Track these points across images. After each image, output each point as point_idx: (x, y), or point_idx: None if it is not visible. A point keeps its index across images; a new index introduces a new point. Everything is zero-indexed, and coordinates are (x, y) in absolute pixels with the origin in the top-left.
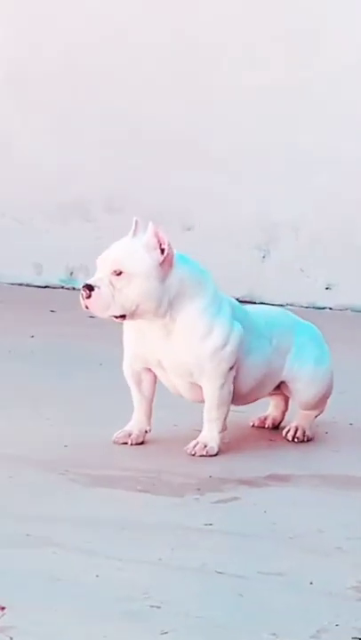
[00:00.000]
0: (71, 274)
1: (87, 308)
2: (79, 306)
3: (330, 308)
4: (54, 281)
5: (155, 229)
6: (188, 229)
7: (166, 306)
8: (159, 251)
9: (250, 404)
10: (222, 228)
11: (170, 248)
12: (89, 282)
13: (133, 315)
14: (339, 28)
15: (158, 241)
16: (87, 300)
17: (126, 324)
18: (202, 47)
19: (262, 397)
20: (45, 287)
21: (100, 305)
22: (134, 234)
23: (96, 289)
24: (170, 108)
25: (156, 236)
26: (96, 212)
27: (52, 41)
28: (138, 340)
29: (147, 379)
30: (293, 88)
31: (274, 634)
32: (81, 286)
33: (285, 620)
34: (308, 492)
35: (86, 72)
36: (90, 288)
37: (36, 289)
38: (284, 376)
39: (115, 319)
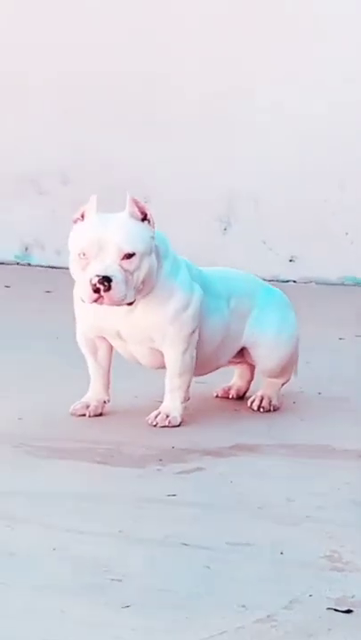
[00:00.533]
0: (26, 249)
1: (101, 300)
2: (35, 281)
3: (294, 281)
4: (9, 257)
5: (133, 199)
6: (145, 202)
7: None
8: (145, 221)
9: (212, 374)
10: (181, 199)
11: (152, 216)
12: (103, 273)
13: (135, 297)
14: None
15: (139, 210)
16: (107, 293)
17: (76, 292)
18: (159, 14)
19: (222, 366)
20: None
21: (121, 295)
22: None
23: (113, 279)
24: (125, 77)
25: (137, 204)
26: (50, 184)
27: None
28: (92, 311)
29: (103, 347)
30: (253, 56)
31: (243, 606)
32: (92, 280)
33: (256, 591)
34: (275, 461)
35: (39, 42)
36: (108, 279)
37: None
38: (245, 341)
39: (127, 305)
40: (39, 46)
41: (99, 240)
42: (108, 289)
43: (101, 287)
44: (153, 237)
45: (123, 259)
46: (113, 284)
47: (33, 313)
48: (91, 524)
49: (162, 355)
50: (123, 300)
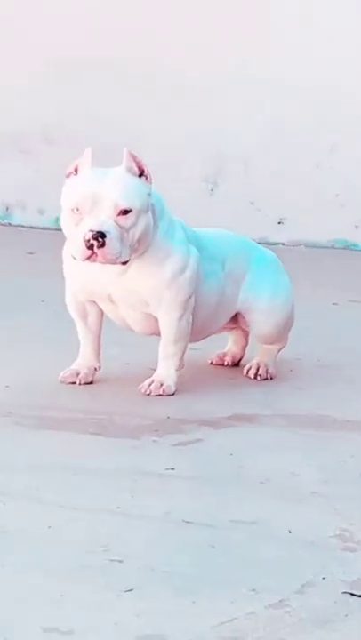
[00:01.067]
0: (7, 209)
1: (94, 257)
2: (16, 242)
3: (282, 244)
4: None
5: (130, 152)
6: None
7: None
8: (142, 177)
9: (206, 341)
10: (167, 159)
11: (149, 171)
12: (97, 228)
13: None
14: None
15: (136, 165)
16: (101, 250)
17: (66, 253)
18: None
19: (216, 332)
20: None
21: (116, 252)
22: (91, 164)
23: (108, 235)
24: (111, 34)
25: (135, 160)
26: (32, 143)
27: None
28: (83, 272)
29: (93, 312)
30: (244, 22)
31: (253, 589)
32: (86, 236)
33: (265, 573)
34: (275, 432)
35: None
36: (102, 235)
37: None
38: (240, 306)
39: (121, 265)
40: (20, 3)
41: (94, 195)
42: (102, 245)
43: (95, 243)
44: (150, 194)
45: (118, 215)
46: (107, 240)
47: (16, 274)
48: (86, 499)
49: (156, 320)
50: (117, 257)
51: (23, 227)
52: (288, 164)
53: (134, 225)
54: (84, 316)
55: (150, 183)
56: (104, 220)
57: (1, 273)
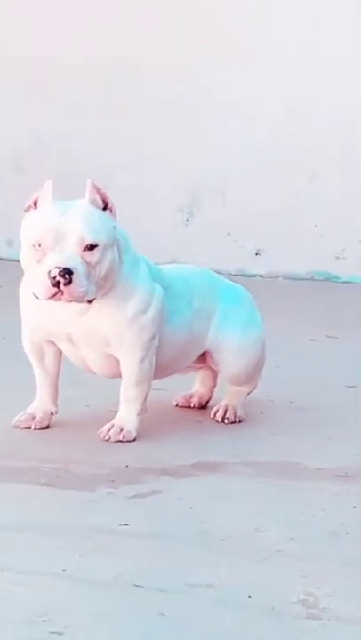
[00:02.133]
0: None
1: (59, 296)
2: None
3: (260, 276)
4: None
5: (94, 184)
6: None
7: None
8: (107, 210)
9: (172, 381)
10: (141, 188)
11: (113, 204)
12: (64, 264)
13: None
14: None
15: (100, 197)
16: (67, 287)
17: (23, 289)
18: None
19: (183, 371)
20: None
21: (82, 290)
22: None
23: (75, 271)
24: (83, 63)
25: (98, 192)
26: (2, 172)
27: None
28: (41, 310)
29: (51, 352)
30: (219, 44)
31: None
32: (52, 273)
33: None
34: (241, 483)
35: None
36: (69, 272)
37: None
38: (209, 344)
39: (87, 303)
40: None
41: (57, 229)
42: (69, 282)
43: (62, 280)
44: (115, 228)
45: (84, 250)
46: (74, 277)
47: None
48: (31, 561)
49: (117, 362)
50: (84, 295)
51: None
52: (266, 194)
53: (100, 261)
54: (41, 357)
55: (115, 216)
56: (69, 255)
57: None
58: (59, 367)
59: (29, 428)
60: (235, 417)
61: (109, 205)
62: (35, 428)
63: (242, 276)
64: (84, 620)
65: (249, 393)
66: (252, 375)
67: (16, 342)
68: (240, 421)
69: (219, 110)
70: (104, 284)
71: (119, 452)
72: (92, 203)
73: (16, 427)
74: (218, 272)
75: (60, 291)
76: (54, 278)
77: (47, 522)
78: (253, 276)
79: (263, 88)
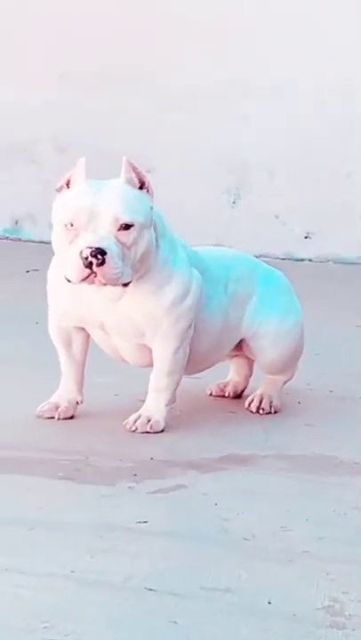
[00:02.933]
0: (16, 223)
1: (92, 278)
2: (23, 258)
3: (309, 260)
4: None
5: (130, 162)
6: (148, 172)
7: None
8: (143, 189)
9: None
10: (187, 169)
11: (149, 183)
12: (97, 244)
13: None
14: None
15: (137, 176)
16: (100, 269)
17: (52, 273)
18: None
19: (218, 361)
20: None
21: (116, 271)
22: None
23: (108, 252)
24: (122, 39)
25: (135, 170)
26: (43, 152)
27: None
28: (72, 296)
29: (78, 339)
30: (270, 24)
31: None
32: (83, 253)
33: None
34: (271, 477)
35: (26, 3)
36: (102, 252)
37: None
38: (244, 332)
39: (122, 287)
40: (36, 6)
41: (90, 208)
42: (102, 263)
43: (94, 261)
44: (152, 208)
45: (119, 230)
46: (108, 258)
47: (13, 292)
48: (38, 561)
49: (151, 352)
50: (119, 278)
51: (33, 242)
52: (316, 175)
53: (136, 242)
54: (68, 344)
55: (152, 196)
56: (103, 235)
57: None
58: (85, 354)
59: (53, 417)
60: (270, 407)
61: (146, 185)
62: (58, 418)
63: (290, 260)
64: (87, 626)
65: (285, 382)
66: (289, 364)
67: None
68: (276, 412)
69: (264, 90)
70: (140, 267)
71: (145, 444)
72: (128, 182)
73: (39, 416)
74: (265, 256)
75: (92, 272)
76: (86, 259)
77: (59, 518)
78: (302, 260)
79: (312, 66)
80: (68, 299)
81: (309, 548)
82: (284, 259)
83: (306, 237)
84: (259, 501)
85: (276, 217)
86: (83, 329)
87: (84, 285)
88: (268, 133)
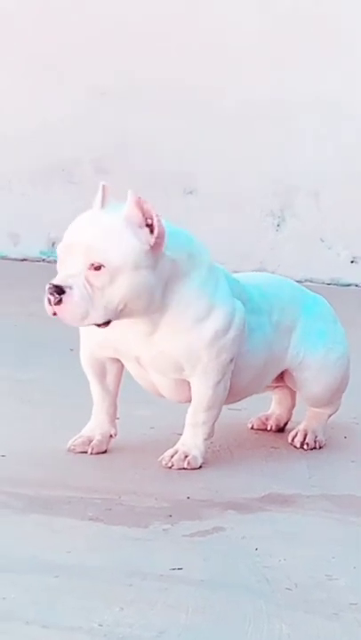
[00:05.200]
0: (53, 245)
1: (55, 315)
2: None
3: (356, 285)
4: (33, 253)
5: (137, 199)
6: (190, 193)
7: (160, 297)
8: (147, 229)
9: (248, 401)
10: (229, 191)
11: (160, 224)
12: (56, 282)
13: (119, 316)
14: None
15: (143, 215)
16: (56, 307)
17: None
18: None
19: (259, 392)
20: (23, 260)
21: (76, 312)
22: (102, 204)
23: (67, 291)
24: (166, 57)
25: (140, 208)
26: (82, 173)
27: None
28: (108, 330)
29: (113, 370)
30: (315, 50)
31: None
32: (46, 287)
33: None
34: (316, 520)
35: (68, 21)
36: (59, 291)
37: (12, 262)
38: (288, 362)
39: (97, 327)
40: (76, 24)
41: (71, 243)
42: (59, 302)
43: (51, 298)
44: (148, 250)
45: (90, 269)
46: (65, 297)
47: (48, 317)
48: (61, 612)
49: (190, 386)
50: (82, 319)
51: None
52: None
53: (110, 284)
54: (102, 375)
55: (160, 241)
56: (72, 273)
57: (31, 316)
58: (119, 385)
59: (86, 452)
60: (315, 442)
61: (153, 224)
62: (91, 453)
63: (336, 285)
64: None
65: (330, 415)
66: (334, 396)
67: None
68: (321, 447)
69: (310, 112)
70: (123, 310)
71: (181, 482)
72: (128, 218)
73: (70, 451)
74: (310, 281)
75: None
76: (47, 295)
77: (87, 564)
78: (348, 285)
79: (358, 85)
80: (103, 331)
81: (357, 600)
82: (329, 284)
83: (352, 262)
84: (302, 547)
85: (322, 241)
86: (117, 360)
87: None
88: (314, 155)
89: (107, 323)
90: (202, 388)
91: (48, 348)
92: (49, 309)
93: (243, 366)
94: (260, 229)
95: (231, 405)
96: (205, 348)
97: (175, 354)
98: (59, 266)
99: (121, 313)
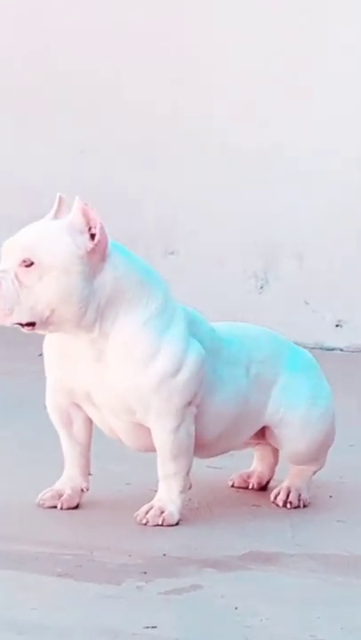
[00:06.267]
0: None
1: None
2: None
3: (340, 349)
4: None
5: (82, 206)
6: (171, 253)
7: (94, 314)
8: (88, 235)
9: (228, 458)
10: (212, 251)
11: (102, 232)
12: None
13: (47, 323)
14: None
15: (87, 222)
16: None
17: (48, 340)
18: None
19: (237, 448)
20: None
21: (1, 307)
22: (56, 215)
23: None
24: (150, 114)
25: (85, 214)
26: None
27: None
28: (61, 363)
29: (79, 418)
30: (295, 92)
31: None
32: None
33: None
34: (299, 579)
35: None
36: None
37: None
38: (268, 418)
39: (21, 328)
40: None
41: (11, 241)
42: None
43: None
44: (83, 255)
45: (21, 265)
46: None
47: (26, 374)
48: None
49: (150, 432)
50: (6, 315)
51: None
52: (347, 259)
53: (38, 283)
54: (68, 424)
55: (100, 250)
56: (4, 268)
57: (13, 374)
58: (90, 436)
59: (55, 507)
60: (298, 501)
61: (94, 232)
62: (62, 508)
63: (320, 349)
64: None
65: (315, 472)
66: (318, 453)
67: None
68: (305, 506)
69: (292, 171)
70: (50, 316)
71: (157, 539)
72: (69, 224)
73: (40, 505)
74: (294, 344)
75: None
76: None
77: (54, 622)
78: (333, 349)
79: (344, 137)
80: (58, 367)
81: None
82: (313, 347)
83: (337, 326)
84: (286, 606)
85: (306, 303)
86: (81, 407)
87: (68, 344)
88: (298, 216)
89: (32, 324)
90: (162, 434)
91: (28, 407)
92: None
93: (213, 416)
94: (243, 291)
95: (211, 463)
96: (153, 391)
97: (123, 395)
98: None
99: (49, 319)
